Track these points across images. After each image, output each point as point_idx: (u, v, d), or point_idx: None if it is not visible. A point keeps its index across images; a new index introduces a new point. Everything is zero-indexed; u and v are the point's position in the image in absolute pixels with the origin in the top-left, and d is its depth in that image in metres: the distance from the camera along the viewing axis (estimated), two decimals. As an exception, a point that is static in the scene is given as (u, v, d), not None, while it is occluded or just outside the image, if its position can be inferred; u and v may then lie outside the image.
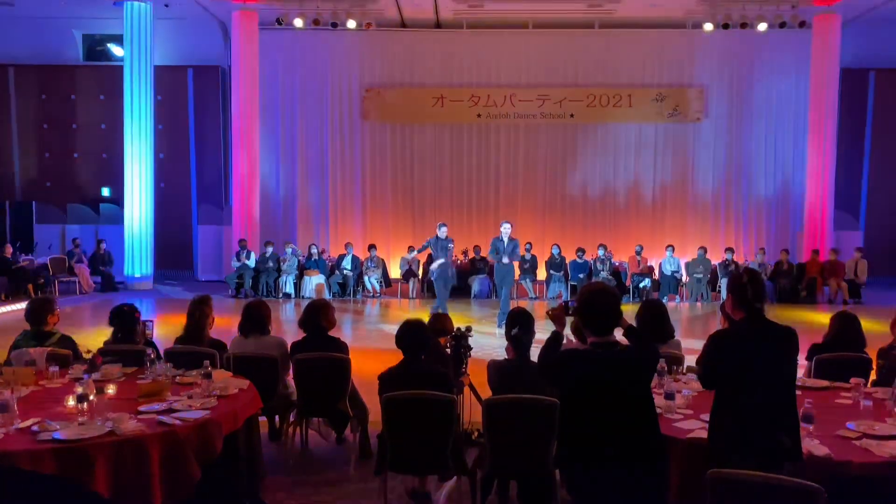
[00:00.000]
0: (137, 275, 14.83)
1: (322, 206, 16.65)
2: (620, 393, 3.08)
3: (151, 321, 5.41)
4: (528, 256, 14.34)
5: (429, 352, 4.48)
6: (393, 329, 9.37)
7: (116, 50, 16.66)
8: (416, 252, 12.03)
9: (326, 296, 13.59)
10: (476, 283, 14.41)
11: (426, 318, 4.98)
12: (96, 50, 17.25)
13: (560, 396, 3.36)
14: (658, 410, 3.44)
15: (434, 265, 10.99)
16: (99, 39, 17.16)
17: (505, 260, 10.54)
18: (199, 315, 5.21)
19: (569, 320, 3.51)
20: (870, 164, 16.63)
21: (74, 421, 3.52)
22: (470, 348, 5.11)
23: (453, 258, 11.23)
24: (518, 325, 4.31)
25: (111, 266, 14.99)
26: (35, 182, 17.11)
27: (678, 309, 13.29)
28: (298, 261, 14.38)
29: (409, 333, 4.30)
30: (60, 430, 3.38)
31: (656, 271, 14.54)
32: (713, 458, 3.04)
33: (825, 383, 4.45)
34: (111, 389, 4.12)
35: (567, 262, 14.44)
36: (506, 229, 10.71)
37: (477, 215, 16.52)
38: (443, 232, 10.80)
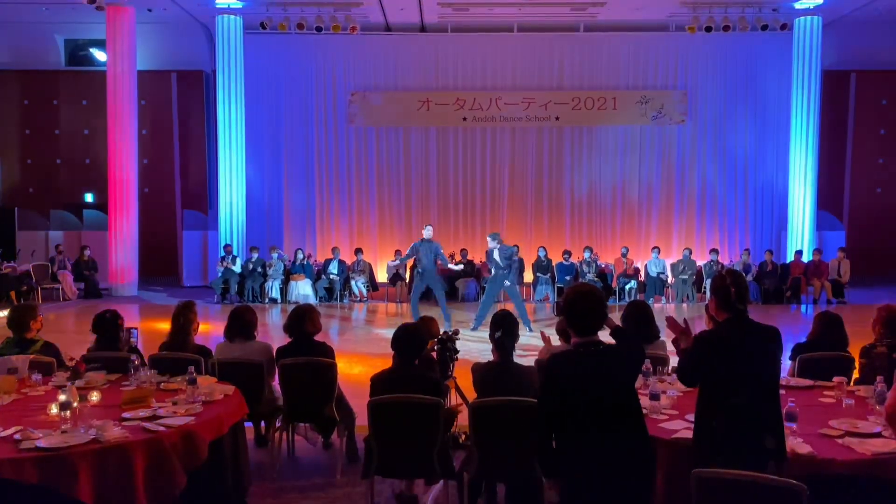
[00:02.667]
0: (122, 281, 14.71)
1: (308, 210, 16.60)
2: (606, 391, 3.09)
3: (135, 328, 5.38)
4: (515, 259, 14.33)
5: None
6: (380, 333, 9.27)
7: (99, 55, 16.57)
8: (399, 261, 11.75)
9: (313, 302, 13.55)
10: (464, 287, 14.42)
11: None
12: (79, 55, 17.15)
13: (547, 400, 3.36)
14: (643, 411, 3.45)
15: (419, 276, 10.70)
16: (81, 44, 17.06)
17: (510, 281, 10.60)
18: (183, 321, 5.17)
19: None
20: (852, 164, 16.80)
21: (57, 429, 3.49)
22: (457, 352, 5.11)
23: (438, 265, 10.95)
24: (501, 329, 4.32)
25: (95, 272, 14.87)
26: (17, 188, 16.98)
27: (664, 310, 13.33)
28: (284, 266, 14.33)
29: (406, 337, 4.30)
30: (43, 439, 3.35)
31: (642, 273, 14.61)
32: (698, 458, 3.06)
33: (809, 382, 4.49)
34: (95, 397, 4.09)
35: (553, 264, 14.47)
36: (492, 243, 10.66)
37: (463, 218, 16.55)
38: (428, 232, 10.68)
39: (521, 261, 14.52)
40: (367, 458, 4.16)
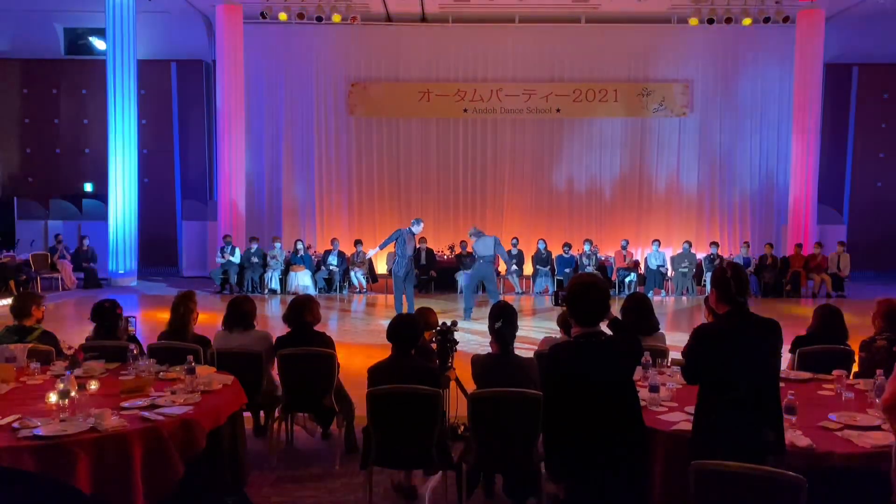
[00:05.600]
0: (121, 271, 14.71)
1: (308, 201, 16.58)
2: (603, 382, 3.09)
3: (134, 317, 5.37)
4: (514, 251, 14.35)
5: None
6: (379, 324, 9.28)
7: (99, 44, 16.51)
8: (377, 250, 11.31)
9: (312, 293, 13.55)
10: (462, 278, 14.40)
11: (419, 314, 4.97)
12: (78, 44, 17.07)
13: (547, 389, 3.36)
14: (643, 403, 3.45)
15: (399, 263, 10.60)
16: (81, 33, 16.98)
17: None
18: (183, 310, 5.16)
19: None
20: (853, 158, 16.78)
21: (56, 417, 3.48)
22: (455, 343, 5.10)
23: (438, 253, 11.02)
24: (501, 319, 4.30)
25: (95, 262, 14.85)
26: (17, 177, 16.95)
27: (664, 303, 13.35)
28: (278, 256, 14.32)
29: (402, 328, 4.30)
30: (41, 427, 3.35)
31: (642, 265, 14.61)
32: (697, 450, 3.05)
33: (808, 375, 4.49)
34: (93, 385, 4.08)
35: (553, 256, 14.47)
36: (474, 237, 10.83)
37: (463, 210, 16.52)
38: (418, 228, 10.71)
39: (520, 253, 14.54)
40: (365, 448, 4.16)
